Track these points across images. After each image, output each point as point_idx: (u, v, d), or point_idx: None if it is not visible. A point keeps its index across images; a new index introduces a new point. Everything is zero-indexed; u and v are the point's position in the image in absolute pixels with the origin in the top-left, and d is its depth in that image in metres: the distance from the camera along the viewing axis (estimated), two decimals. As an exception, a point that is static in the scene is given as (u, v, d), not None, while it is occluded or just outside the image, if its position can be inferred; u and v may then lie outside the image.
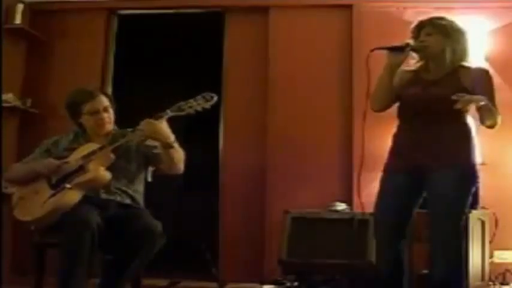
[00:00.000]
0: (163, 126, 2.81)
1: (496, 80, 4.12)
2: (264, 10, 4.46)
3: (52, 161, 2.85)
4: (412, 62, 2.77)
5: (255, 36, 4.48)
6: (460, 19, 4.13)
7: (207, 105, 2.86)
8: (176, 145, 2.86)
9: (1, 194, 3.62)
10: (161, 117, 2.80)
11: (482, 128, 3.90)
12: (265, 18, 4.45)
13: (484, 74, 2.70)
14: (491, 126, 2.65)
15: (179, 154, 2.89)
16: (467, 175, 2.62)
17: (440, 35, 2.67)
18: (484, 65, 4.14)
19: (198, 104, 2.84)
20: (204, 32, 4.93)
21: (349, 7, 4.36)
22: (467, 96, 2.50)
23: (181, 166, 2.93)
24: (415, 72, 2.77)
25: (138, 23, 4.87)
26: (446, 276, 2.59)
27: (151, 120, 2.79)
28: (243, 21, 4.54)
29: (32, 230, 2.84)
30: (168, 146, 2.82)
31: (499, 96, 4.11)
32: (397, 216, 2.72)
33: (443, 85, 2.63)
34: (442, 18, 2.75)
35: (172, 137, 2.83)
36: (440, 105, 2.57)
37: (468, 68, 2.69)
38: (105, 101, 2.97)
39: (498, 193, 3.94)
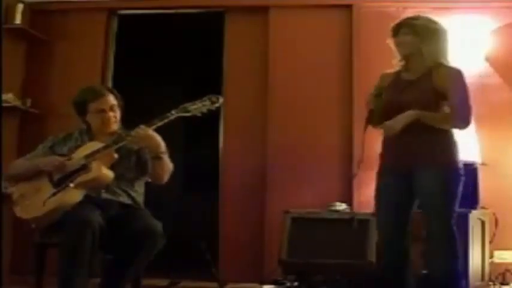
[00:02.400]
0: (155, 135, 2.81)
1: (496, 80, 4.16)
2: (264, 10, 4.46)
3: (56, 158, 2.84)
4: (395, 61, 2.80)
5: (255, 36, 4.48)
6: (460, 19, 4.20)
7: (213, 107, 2.86)
8: (165, 157, 2.85)
9: (1, 194, 3.62)
10: (163, 119, 2.80)
11: (482, 128, 3.95)
12: (265, 18, 4.45)
13: (456, 74, 2.70)
14: (459, 128, 2.68)
15: (166, 167, 2.87)
16: (449, 174, 2.63)
17: (416, 35, 2.69)
18: (484, 65, 4.17)
19: (203, 105, 2.84)
20: (204, 32, 4.93)
21: (349, 7, 4.36)
22: (388, 123, 2.61)
23: (165, 178, 2.91)
24: (396, 73, 2.81)
25: (138, 23, 4.87)
26: (441, 276, 2.61)
27: (144, 127, 2.79)
28: (243, 21, 4.54)
29: (32, 230, 2.84)
30: (156, 157, 2.82)
31: (499, 96, 4.15)
32: (393, 216, 2.74)
33: (415, 87, 2.68)
34: (417, 18, 2.78)
35: (162, 148, 2.82)
36: (410, 110, 2.63)
37: (443, 68, 2.70)
38: (112, 100, 2.96)
39: (498, 193, 3.94)
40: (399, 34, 2.74)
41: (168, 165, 2.88)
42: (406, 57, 2.75)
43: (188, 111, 2.82)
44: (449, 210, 2.63)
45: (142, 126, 2.79)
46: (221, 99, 2.88)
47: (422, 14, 2.86)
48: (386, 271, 2.79)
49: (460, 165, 2.67)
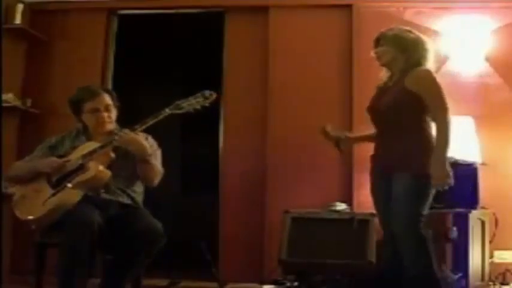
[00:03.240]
0: (140, 139, 2.81)
1: (496, 80, 4.16)
2: (264, 10, 4.46)
3: (55, 160, 2.84)
4: (382, 73, 2.94)
5: (255, 36, 4.48)
6: (460, 19, 4.20)
7: (206, 103, 2.85)
8: (152, 160, 2.85)
9: (1, 194, 3.62)
10: (157, 116, 2.79)
11: (483, 128, 3.95)
12: (265, 18, 4.45)
13: (426, 74, 2.77)
14: (449, 120, 2.69)
15: (153, 171, 2.88)
16: (416, 182, 2.66)
17: (390, 46, 2.84)
18: (484, 65, 4.17)
19: (197, 101, 2.83)
20: (204, 32, 4.93)
21: (349, 7, 4.36)
22: (435, 181, 2.62)
23: (155, 181, 2.92)
24: (384, 83, 2.93)
25: (138, 23, 4.87)
26: (407, 275, 2.65)
27: (127, 131, 2.79)
28: (243, 21, 4.53)
29: (32, 230, 2.84)
30: (142, 160, 2.82)
31: (499, 96, 4.15)
32: (387, 216, 2.78)
33: (390, 91, 2.81)
34: (392, 29, 2.91)
35: (148, 151, 2.82)
36: (384, 116, 2.78)
37: (414, 70, 2.77)
38: (107, 100, 2.96)
39: (498, 193, 3.94)
40: (378, 45, 2.90)
41: (156, 168, 2.89)
42: (386, 67, 2.90)
43: (181, 108, 2.81)
44: (412, 213, 2.67)
45: (126, 130, 2.80)
46: (214, 95, 2.87)
47: (398, 26, 2.97)
48: (384, 271, 2.81)
49: (428, 174, 2.66)
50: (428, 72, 2.77)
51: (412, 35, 2.85)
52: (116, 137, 2.80)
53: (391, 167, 2.75)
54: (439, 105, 2.67)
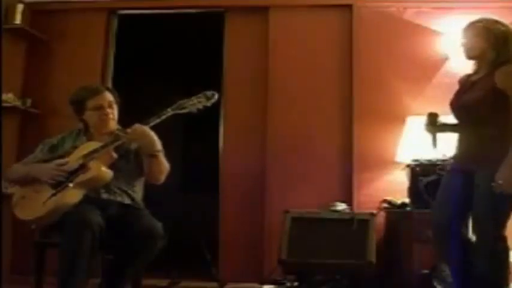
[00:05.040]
0: (151, 133, 2.81)
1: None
2: (264, 10, 4.46)
3: (52, 167, 2.81)
4: (471, 65, 2.85)
5: (255, 36, 4.48)
6: (460, 19, 4.19)
7: (208, 103, 2.84)
8: (161, 156, 2.85)
9: (1, 194, 3.62)
10: (160, 116, 2.79)
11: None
12: (265, 18, 4.45)
13: None
14: None
15: (162, 166, 2.87)
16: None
17: (479, 38, 2.73)
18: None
19: (199, 101, 2.83)
20: (204, 32, 4.93)
21: (349, 7, 4.36)
22: (504, 184, 2.51)
23: (161, 178, 2.91)
24: (468, 75, 2.85)
25: (138, 23, 4.88)
26: (485, 272, 2.60)
27: (140, 125, 2.78)
28: (243, 21, 4.53)
29: (32, 230, 2.84)
30: (151, 155, 2.82)
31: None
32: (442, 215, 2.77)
33: (476, 87, 2.70)
34: (481, 21, 2.79)
35: (158, 146, 2.82)
36: (467, 112, 2.68)
37: (505, 67, 2.65)
38: (109, 97, 2.96)
39: (498, 193, 3.93)
40: (465, 37, 2.79)
41: (165, 164, 2.88)
42: (473, 59, 2.80)
43: (184, 108, 2.81)
44: (498, 213, 2.62)
45: (138, 125, 2.79)
46: (216, 95, 2.87)
47: (488, 17, 2.85)
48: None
49: None
50: None
51: (502, 28, 2.73)
52: (129, 130, 2.79)
53: (473, 166, 2.66)
54: None
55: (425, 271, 3.66)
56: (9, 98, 4.24)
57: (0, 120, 3.98)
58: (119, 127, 2.99)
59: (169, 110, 2.81)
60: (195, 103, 2.82)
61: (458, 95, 2.80)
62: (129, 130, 2.79)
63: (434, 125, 2.83)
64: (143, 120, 2.81)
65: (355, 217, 3.68)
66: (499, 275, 2.63)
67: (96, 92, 2.94)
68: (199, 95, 2.85)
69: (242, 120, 4.42)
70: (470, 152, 2.72)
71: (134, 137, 2.79)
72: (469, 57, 2.80)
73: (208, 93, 2.86)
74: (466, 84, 2.82)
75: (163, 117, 2.80)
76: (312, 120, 4.31)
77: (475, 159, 2.67)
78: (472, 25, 2.78)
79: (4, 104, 4.17)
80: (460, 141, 2.81)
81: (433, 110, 2.85)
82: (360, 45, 4.27)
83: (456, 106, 2.77)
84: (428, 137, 2.83)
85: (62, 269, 2.55)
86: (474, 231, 2.71)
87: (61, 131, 3.13)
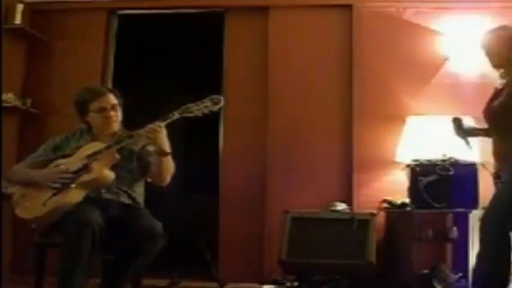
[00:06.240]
0: (164, 133, 2.81)
1: (496, 79, 4.15)
2: (264, 10, 4.46)
3: (50, 172, 2.81)
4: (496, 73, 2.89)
5: (255, 36, 4.48)
6: (460, 19, 4.20)
7: (215, 108, 2.85)
8: (170, 156, 2.85)
9: (1, 194, 3.62)
10: (166, 119, 2.79)
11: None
12: (265, 18, 4.45)
13: None
14: None
15: (171, 165, 2.88)
16: None
17: (504, 47, 2.77)
18: (484, 65, 4.15)
19: (205, 106, 2.84)
20: (204, 32, 4.93)
21: (349, 7, 4.36)
22: None
23: (168, 178, 2.91)
24: (500, 83, 2.86)
25: (138, 23, 4.88)
26: (488, 270, 2.62)
27: (159, 124, 2.79)
28: (243, 21, 4.53)
29: (32, 230, 2.84)
30: (164, 154, 2.82)
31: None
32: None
33: (501, 94, 2.74)
34: (504, 28, 2.83)
35: (168, 146, 2.83)
36: (493, 119, 2.74)
37: None
38: (113, 99, 2.96)
39: (498, 193, 3.93)
40: (488, 45, 2.82)
41: (172, 165, 2.89)
42: (499, 68, 2.83)
43: (190, 112, 2.82)
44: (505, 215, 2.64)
45: (155, 123, 2.79)
46: (222, 100, 2.88)
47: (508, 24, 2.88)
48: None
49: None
50: None
51: None
52: (146, 128, 2.78)
53: (499, 170, 2.72)
54: None
55: (425, 271, 3.66)
56: (9, 98, 4.24)
57: (0, 120, 3.98)
58: (122, 128, 2.99)
59: (175, 113, 2.81)
60: (201, 107, 2.82)
61: (489, 102, 2.84)
62: (146, 127, 2.79)
63: (461, 128, 2.91)
64: (146, 124, 2.81)
65: (355, 217, 3.69)
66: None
67: (99, 94, 2.94)
68: (206, 99, 2.85)
69: (242, 120, 4.42)
70: (497, 157, 2.77)
71: (152, 136, 2.79)
72: (494, 66, 2.84)
73: (215, 98, 2.86)
74: (496, 91, 2.85)
75: (169, 120, 2.80)
76: (312, 120, 4.31)
77: (501, 166, 2.73)
78: (495, 33, 2.82)
79: (4, 104, 4.17)
80: (492, 145, 2.83)
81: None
82: (359, 45, 4.27)
83: (487, 113, 2.82)
84: (460, 140, 2.92)
85: (62, 268, 2.55)
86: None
87: (61, 131, 3.13)
